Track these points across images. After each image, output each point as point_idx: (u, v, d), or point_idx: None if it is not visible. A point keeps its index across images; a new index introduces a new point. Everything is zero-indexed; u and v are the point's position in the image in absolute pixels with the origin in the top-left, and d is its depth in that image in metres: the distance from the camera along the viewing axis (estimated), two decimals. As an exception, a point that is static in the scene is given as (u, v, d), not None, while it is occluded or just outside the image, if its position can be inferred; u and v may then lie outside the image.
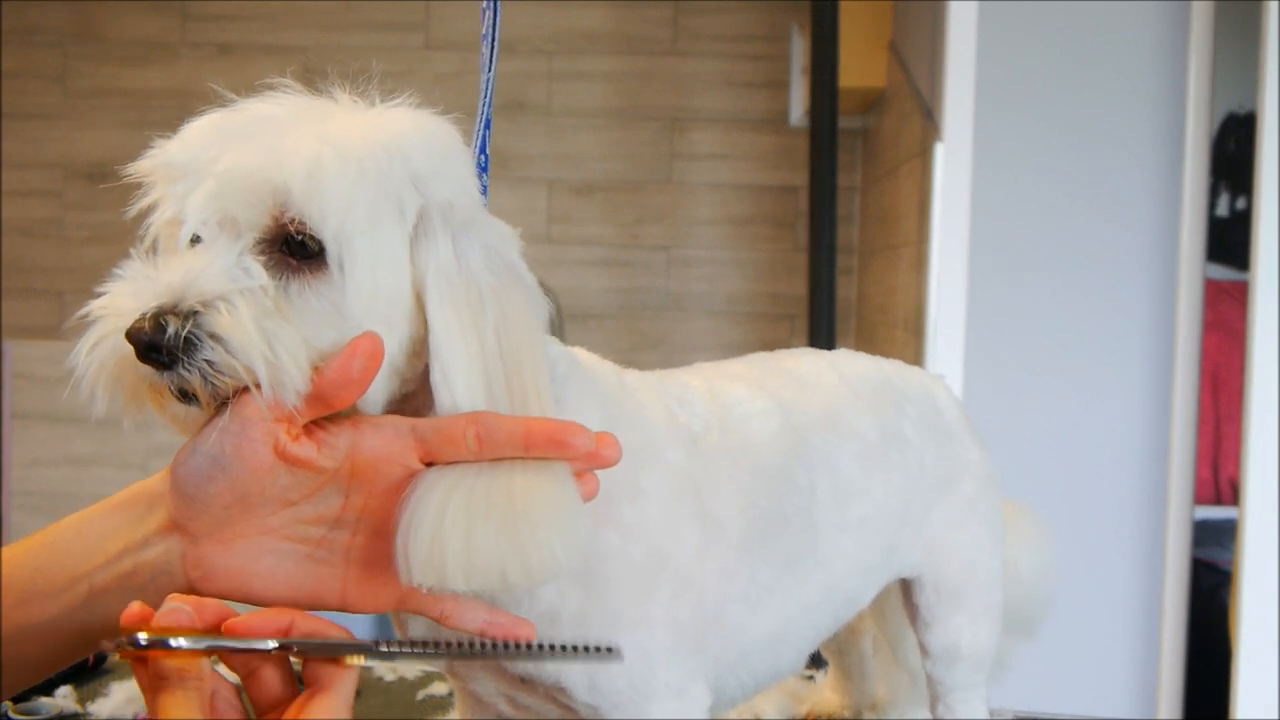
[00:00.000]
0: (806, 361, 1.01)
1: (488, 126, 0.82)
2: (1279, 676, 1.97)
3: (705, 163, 3.43)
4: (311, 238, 0.68)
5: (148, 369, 0.66)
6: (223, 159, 0.68)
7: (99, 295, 0.69)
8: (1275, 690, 1.97)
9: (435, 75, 3.36)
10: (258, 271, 0.68)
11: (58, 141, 3.50)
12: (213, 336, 0.65)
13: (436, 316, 0.70)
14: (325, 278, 0.68)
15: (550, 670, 0.80)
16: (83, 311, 0.68)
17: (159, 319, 0.65)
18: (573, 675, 0.80)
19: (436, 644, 0.66)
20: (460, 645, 0.67)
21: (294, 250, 0.69)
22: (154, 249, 0.73)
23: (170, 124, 0.71)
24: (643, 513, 0.81)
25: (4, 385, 3.36)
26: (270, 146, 0.68)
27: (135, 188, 0.72)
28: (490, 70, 0.82)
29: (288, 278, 0.68)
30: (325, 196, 0.67)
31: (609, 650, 0.68)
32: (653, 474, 0.83)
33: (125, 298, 0.68)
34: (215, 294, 0.66)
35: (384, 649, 0.64)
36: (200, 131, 0.70)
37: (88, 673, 1.32)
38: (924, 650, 1.08)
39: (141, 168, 0.72)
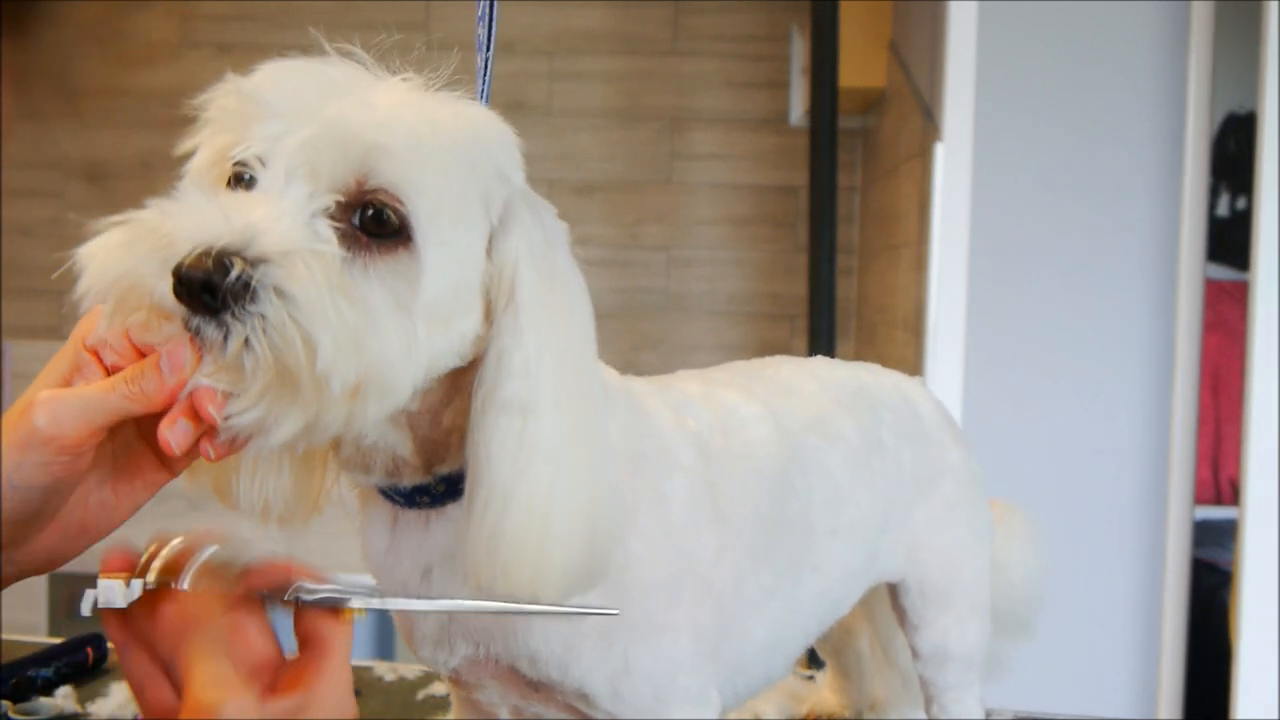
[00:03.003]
0: (786, 369, 1.02)
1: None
2: (1279, 676, 1.97)
3: (705, 163, 3.43)
4: (395, 211, 0.63)
5: (177, 307, 0.60)
6: (327, 107, 0.64)
7: (146, 208, 0.62)
8: (1275, 690, 1.97)
9: (435, 75, 3.35)
10: (331, 238, 0.62)
11: (58, 141, 3.50)
12: (278, 291, 0.59)
13: (528, 302, 0.67)
14: (396, 263, 0.64)
15: (576, 676, 0.79)
16: (121, 217, 0.62)
17: (223, 259, 0.59)
18: (597, 682, 0.80)
19: (441, 602, 0.67)
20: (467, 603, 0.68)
21: (366, 224, 0.64)
22: (196, 183, 0.67)
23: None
24: (664, 518, 0.82)
25: (4, 385, 3.36)
26: (371, 104, 0.64)
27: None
28: (488, 50, 0.82)
29: (355, 255, 0.63)
30: (424, 168, 0.64)
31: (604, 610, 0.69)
32: (671, 479, 0.83)
33: (173, 223, 0.61)
34: (290, 247, 0.60)
35: (382, 596, 0.63)
36: (288, 74, 0.66)
37: (88, 673, 1.32)
38: (914, 652, 1.08)
39: (222, 99, 0.66)
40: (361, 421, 0.64)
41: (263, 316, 0.59)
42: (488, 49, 0.82)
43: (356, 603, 0.62)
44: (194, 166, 0.69)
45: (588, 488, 0.69)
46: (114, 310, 0.63)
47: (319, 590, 0.62)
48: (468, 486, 0.69)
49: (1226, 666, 2.01)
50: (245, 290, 0.59)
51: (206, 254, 0.59)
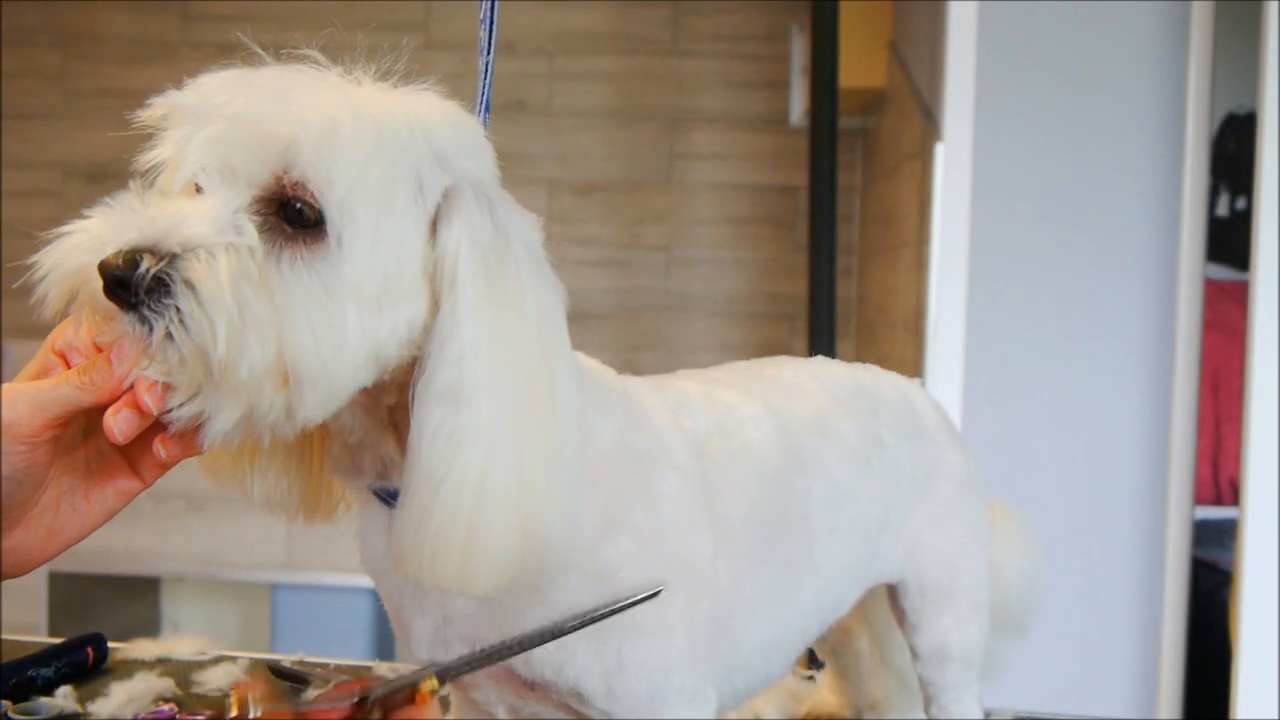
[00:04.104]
0: (787, 370, 1.01)
1: (487, 110, 0.82)
2: (1279, 676, 1.97)
3: (705, 163, 3.43)
4: (310, 205, 0.65)
5: (110, 306, 0.63)
6: (233, 104, 0.65)
7: (85, 218, 0.66)
8: (1275, 690, 1.97)
9: (435, 75, 3.36)
10: (250, 232, 0.64)
11: (58, 141, 3.50)
12: (187, 283, 0.62)
13: (468, 290, 0.67)
14: (320, 252, 0.65)
15: (570, 676, 0.79)
16: (64, 229, 0.65)
17: (134, 255, 0.62)
18: (591, 681, 0.80)
19: (497, 648, 0.67)
20: (514, 644, 0.69)
21: (290, 217, 0.65)
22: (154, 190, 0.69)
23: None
24: (658, 517, 0.81)
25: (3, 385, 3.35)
26: (286, 99, 0.66)
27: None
28: (489, 53, 0.82)
29: (281, 246, 0.65)
30: (336, 160, 0.65)
31: (655, 593, 0.69)
32: (665, 478, 0.83)
33: (106, 227, 0.64)
34: (198, 241, 0.63)
35: (452, 667, 0.65)
36: (215, 80, 0.68)
37: (88, 673, 1.32)
38: (914, 652, 1.08)
39: (150, 114, 0.69)
40: (304, 411, 0.65)
41: (177, 309, 0.62)
42: (489, 51, 0.82)
43: (428, 680, 0.64)
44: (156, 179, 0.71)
45: (530, 480, 0.68)
46: (76, 312, 0.66)
47: (389, 683, 0.63)
48: (404, 475, 0.69)
49: (1226, 666, 2.01)
50: (159, 285, 0.62)
51: (117, 252, 0.62)
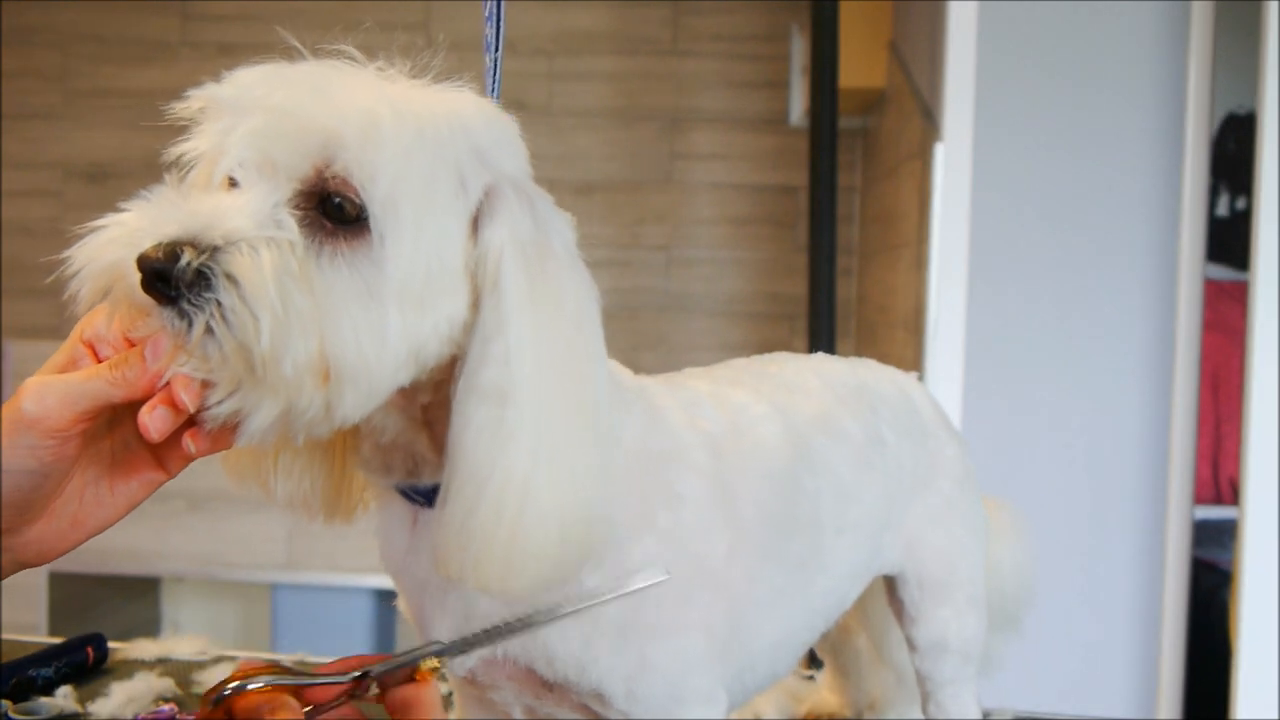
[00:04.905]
0: (790, 367, 1.01)
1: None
2: (1279, 676, 1.97)
3: (705, 163, 3.43)
4: (352, 200, 0.64)
5: (147, 300, 0.62)
6: (273, 97, 0.65)
7: (119, 212, 0.64)
8: (1275, 690, 1.97)
9: (435, 75, 3.35)
10: (290, 226, 0.63)
11: (58, 141, 3.50)
12: (229, 277, 0.61)
13: (512, 288, 0.67)
14: (361, 248, 0.64)
15: (592, 677, 0.79)
16: (98, 223, 0.64)
17: (174, 248, 0.61)
18: (614, 682, 0.79)
19: (499, 628, 0.67)
20: (514, 625, 0.69)
21: (330, 212, 0.64)
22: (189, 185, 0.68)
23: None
24: (679, 518, 0.81)
25: (4, 385, 3.36)
26: (326, 92, 0.65)
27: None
28: (497, 50, 0.82)
29: (321, 242, 0.64)
30: (379, 153, 0.64)
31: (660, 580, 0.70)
32: (685, 479, 0.83)
33: (143, 220, 0.63)
34: (241, 235, 0.62)
35: (451, 646, 0.65)
36: (253, 73, 0.67)
37: (88, 673, 1.32)
38: (911, 645, 1.08)
39: (186, 107, 0.68)
40: (343, 409, 0.64)
41: (218, 302, 0.60)
42: (496, 49, 0.82)
43: (428, 660, 0.64)
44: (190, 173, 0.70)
45: (571, 480, 0.68)
46: (110, 306, 0.65)
47: (390, 660, 0.63)
48: (445, 474, 0.68)
49: (1226, 666, 2.01)
50: (200, 278, 0.60)
51: (158, 245, 0.61)
